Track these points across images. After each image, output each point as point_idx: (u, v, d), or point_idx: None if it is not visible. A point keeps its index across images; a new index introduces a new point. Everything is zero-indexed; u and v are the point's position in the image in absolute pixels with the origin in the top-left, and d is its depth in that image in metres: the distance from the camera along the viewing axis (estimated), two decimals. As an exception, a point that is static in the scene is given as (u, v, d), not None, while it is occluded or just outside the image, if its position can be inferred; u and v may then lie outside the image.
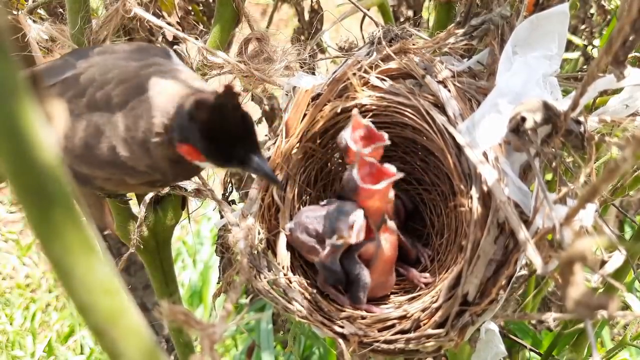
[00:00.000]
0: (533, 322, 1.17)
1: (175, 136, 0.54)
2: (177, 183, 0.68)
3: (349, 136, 0.67)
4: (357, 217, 0.65)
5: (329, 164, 0.80)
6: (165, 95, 0.56)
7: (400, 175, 0.64)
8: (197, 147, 0.53)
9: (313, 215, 0.68)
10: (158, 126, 0.55)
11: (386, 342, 0.61)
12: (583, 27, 1.20)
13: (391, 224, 0.68)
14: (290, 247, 0.71)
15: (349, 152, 0.67)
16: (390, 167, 0.66)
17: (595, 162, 0.53)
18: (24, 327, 1.89)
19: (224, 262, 0.88)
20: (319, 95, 0.72)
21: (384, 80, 0.69)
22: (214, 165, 0.57)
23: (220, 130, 0.52)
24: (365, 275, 0.66)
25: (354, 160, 0.66)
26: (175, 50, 0.73)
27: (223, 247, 0.81)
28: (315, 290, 0.67)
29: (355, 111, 0.67)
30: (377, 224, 0.67)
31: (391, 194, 0.68)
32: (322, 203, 0.73)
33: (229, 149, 0.54)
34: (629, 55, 0.48)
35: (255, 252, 0.67)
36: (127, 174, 0.59)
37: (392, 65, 0.69)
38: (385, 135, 0.66)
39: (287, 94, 0.73)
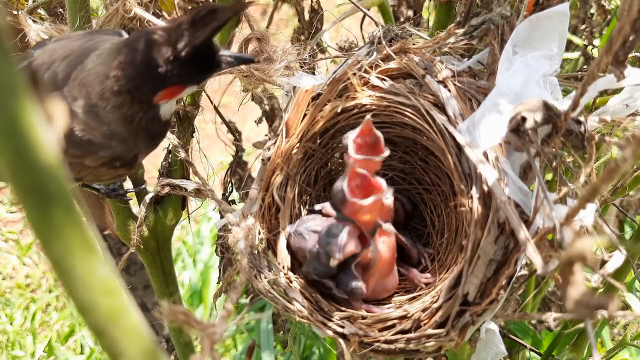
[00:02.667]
0: (533, 322, 1.17)
1: (147, 84, 0.54)
2: (140, 160, 0.63)
3: (352, 138, 0.66)
4: (343, 236, 0.64)
5: (329, 164, 0.80)
6: (104, 51, 0.56)
7: (389, 193, 0.63)
8: (184, 81, 0.54)
9: (313, 226, 0.68)
10: (114, 79, 0.54)
11: (386, 342, 0.61)
12: (583, 27, 1.20)
13: (387, 226, 0.67)
14: (290, 247, 0.71)
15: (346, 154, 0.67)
16: (381, 182, 0.65)
17: (595, 162, 0.53)
18: (24, 327, 1.89)
19: (224, 262, 0.88)
20: (319, 95, 0.72)
21: (384, 80, 0.69)
22: (192, 86, 0.56)
23: (202, 49, 0.52)
24: (361, 288, 0.65)
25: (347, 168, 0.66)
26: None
27: (223, 247, 0.81)
28: (315, 290, 0.67)
29: (368, 117, 0.66)
30: (370, 232, 0.66)
31: (390, 199, 0.67)
32: (317, 207, 0.72)
33: (206, 61, 0.54)
34: (629, 55, 0.48)
35: (256, 252, 0.67)
36: (85, 151, 0.58)
37: (392, 65, 0.69)
38: (386, 152, 0.65)
39: (287, 94, 0.73)
